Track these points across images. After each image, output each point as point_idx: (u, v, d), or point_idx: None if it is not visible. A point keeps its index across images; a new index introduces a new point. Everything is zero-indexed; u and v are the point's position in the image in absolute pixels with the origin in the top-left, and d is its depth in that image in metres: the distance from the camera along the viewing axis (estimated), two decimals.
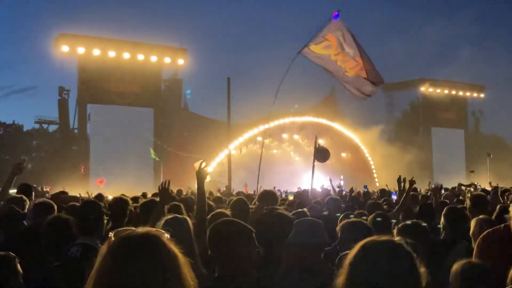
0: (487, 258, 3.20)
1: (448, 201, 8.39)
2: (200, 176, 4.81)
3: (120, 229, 1.80)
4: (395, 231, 4.18)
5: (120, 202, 5.82)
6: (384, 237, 1.99)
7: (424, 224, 4.33)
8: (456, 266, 3.14)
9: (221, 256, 3.14)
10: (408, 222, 4.27)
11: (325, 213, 7.14)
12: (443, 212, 4.75)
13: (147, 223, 4.18)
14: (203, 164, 4.82)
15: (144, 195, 12.02)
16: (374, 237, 2.00)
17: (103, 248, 1.73)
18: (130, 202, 6.16)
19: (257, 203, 6.27)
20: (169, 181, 5.07)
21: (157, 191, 6.12)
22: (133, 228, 1.79)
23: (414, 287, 1.91)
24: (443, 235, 4.67)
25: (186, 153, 32.79)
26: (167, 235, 1.78)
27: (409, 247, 1.97)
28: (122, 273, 1.65)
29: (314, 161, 7.42)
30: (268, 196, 6.22)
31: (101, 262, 1.69)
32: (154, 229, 1.81)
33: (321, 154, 7.53)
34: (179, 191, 14.15)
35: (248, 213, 5.86)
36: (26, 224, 5.59)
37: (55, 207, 5.66)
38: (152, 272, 1.66)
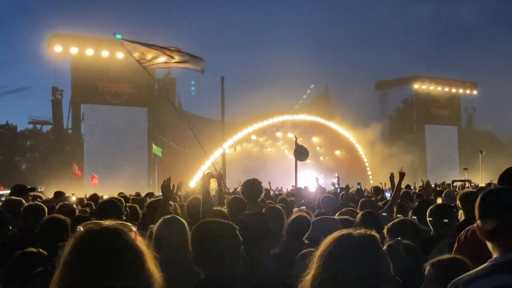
0: (466, 252, 3.25)
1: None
2: (204, 183, 4.90)
3: (89, 222, 1.82)
4: (385, 230, 4.23)
5: (114, 202, 5.84)
6: (350, 231, 2.02)
7: (412, 220, 4.39)
8: (431, 261, 3.19)
9: (207, 257, 3.09)
10: (396, 220, 4.31)
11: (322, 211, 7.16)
12: (428, 210, 4.79)
13: (153, 222, 4.24)
14: (207, 172, 4.93)
15: (137, 194, 12.03)
16: (342, 231, 2.02)
17: (70, 241, 1.75)
18: (123, 201, 6.18)
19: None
20: (170, 178, 5.11)
21: (151, 190, 6.17)
22: (100, 222, 1.81)
23: (382, 280, 1.94)
24: (432, 232, 4.72)
25: (180, 151, 32.83)
26: (133, 229, 1.80)
27: (376, 240, 2.00)
28: (84, 266, 1.67)
29: (296, 161, 7.50)
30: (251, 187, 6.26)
31: (66, 255, 1.71)
32: (119, 222, 1.82)
33: (299, 153, 7.61)
34: (179, 186, 14.11)
35: (245, 210, 5.86)
36: (12, 228, 5.21)
37: (46, 209, 5.49)
38: (113, 265, 1.67)
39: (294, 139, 11.22)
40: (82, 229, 1.76)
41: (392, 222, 4.33)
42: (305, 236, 4.28)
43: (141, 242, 1.79)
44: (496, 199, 2.57)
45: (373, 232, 2.04)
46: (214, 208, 5.37)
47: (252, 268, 3.83)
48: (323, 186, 15.55)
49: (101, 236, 1.73)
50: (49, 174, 30.62)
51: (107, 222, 1.79)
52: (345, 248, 1.94)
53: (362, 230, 2.03)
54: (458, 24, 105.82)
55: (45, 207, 5.57)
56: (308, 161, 8.18)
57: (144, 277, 1.73)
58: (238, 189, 16.81)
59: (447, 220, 4.50)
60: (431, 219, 4.60)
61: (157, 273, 1.79)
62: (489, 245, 2.53)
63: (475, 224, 2.58)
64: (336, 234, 2.00)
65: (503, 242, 2.45)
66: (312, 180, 16.37)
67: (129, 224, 1.83)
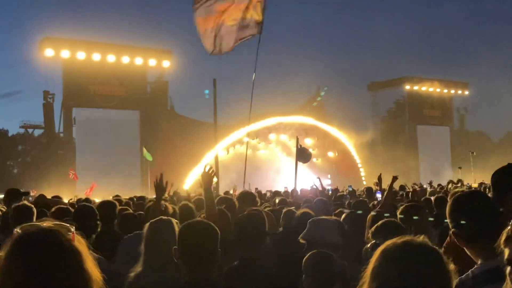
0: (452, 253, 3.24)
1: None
2: (206, 179, 4.64)
3: (25, 224, 1.78)
4: (369, 233, 4.23)
5: (108, 205, 5.81)
6: (402, 239, 1.88)
7: (395, 221, 4.39)
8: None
9: (189, 261, 3.06)
10: (379, 223, 4.31)
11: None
12: (400, 210, 4.80)
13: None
14: (207, 168, 4.73)
15: (131, 199, 11.97)
16: (392, 240, 1.89)
17: (6, 244, 1.72)
18: (117, 204, 6.15)
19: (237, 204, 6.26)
20: (162, 174, 5.03)
21: (143, 194, 6.10)
22: (38, 223, 1.78)
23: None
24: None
25: (172, 155, 32.75)
26: (72, 229, 1.77)
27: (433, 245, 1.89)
28: (18, 269, 1.64)
29: (296, 162, 7.46)
30: (247, 197, 6.23)
31: (3, 256, 1.69)
32: (57, 223, 1.79)
33: (302, 155, 7.55)
34: (175, 193, 14.11)
35: (234, 209, 5.84)
36: None
37: (34, 210, 5.36)
38: (49, 266, 1.65)
39: (292, 140, 11.21)
40: (18, 231, 1.73)
41: (376, 224, 4.33)
42: (301, 235, 4.27)
43: (80, 242, 1.77)
44: (469, 205, 2.54)
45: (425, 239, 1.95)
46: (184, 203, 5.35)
47: (249, 269, 3.80)
48: (318, 187, 15.53)
49: (36, 238, 1.70)
50: (41, 178, 30.45)
51: (44, 224, 1.77)
52: (399, 260, 1.82)
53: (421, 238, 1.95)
54: (449, 25, 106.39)
55: (33, 207, 5.43)
56: (300, 162, 8.12)
57: (82, 277, 1.71)
58: (232, 192, 16.79)
59: (416, 217, 4.51)
60: (401, 216, 4.61)
61: (97, 274, 1.76)
62: (468, 251, 2.49)
63: (450, 232, 2.54)
64: (385, 245, 1.88)
65: (481, 248, 2.42)
66: (307, 181, 16.36)
67: (67, 224, 1.79)
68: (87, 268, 1.73)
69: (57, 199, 10.37)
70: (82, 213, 5.03)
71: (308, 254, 3.74)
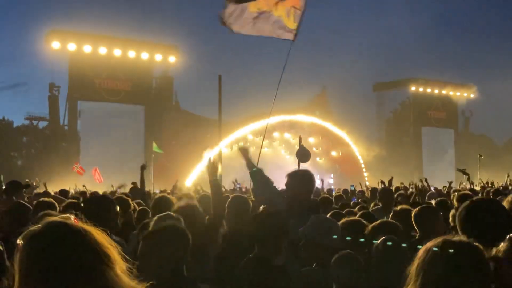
0: None
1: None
2: (212, 170, 4.51)
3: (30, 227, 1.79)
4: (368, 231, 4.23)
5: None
6: (442, 238, 1.95)
7: (394, 222, 4.38)
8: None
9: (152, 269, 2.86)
10: (376, 222, 4.31)
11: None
12: (413, 212, 4.78)
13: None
14: (209, 152, 4.61)
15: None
16: (439, 239, 1.95)
17: (19, 246, 1.73)
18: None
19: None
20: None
21: (146, 188, 6.05)
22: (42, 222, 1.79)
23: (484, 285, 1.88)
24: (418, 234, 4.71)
25: (176, 150, 32.78)
26: (71, 216, 1.81)
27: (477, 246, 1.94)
28: (38, 268, 1.66)
29: (299, 161, 7.47)
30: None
31: (18, 262, 1.70)
32: (60, 216, 1.83)
33: (302, 155, 7.54)
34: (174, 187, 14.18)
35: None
36: None
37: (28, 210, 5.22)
38: (63, 256, 1.67)
39: (295, 139, 11.19)
40: (24, 235, 1.75)
41: (372, 224, 4.33)
42: (300, 230, 4.21)
43: (83, 224, 1.78)
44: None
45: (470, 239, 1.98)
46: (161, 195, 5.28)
47: (266, 271, 3.75)
48: (319, 187, 15.57)
49: (45, 234, 1.72)
50: (45, 170, 30.50)
51: (49, 219, 1.79)
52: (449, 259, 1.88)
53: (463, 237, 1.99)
54: (455, 27, 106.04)
55: (29, 206, 5.31)
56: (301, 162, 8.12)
57: (99, 258, 1.72)
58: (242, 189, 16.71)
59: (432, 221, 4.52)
60: (414, 221, 4.60)
61: (115, 254, 1.78)
62: None
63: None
64: (432, 244, 1.94)
65: None
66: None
67: (67, 214, 1.86)
68: (99, 242, 1.75)
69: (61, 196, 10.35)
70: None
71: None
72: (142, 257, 2.93)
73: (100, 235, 1.77)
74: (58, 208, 5.47)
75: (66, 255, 1.67)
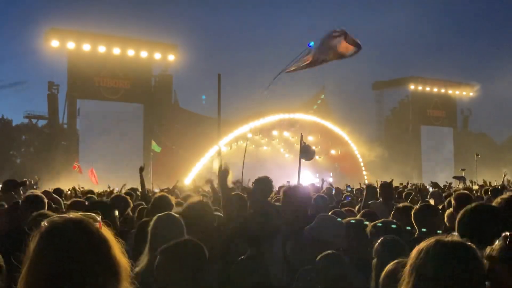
0: None
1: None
2: (223, 175, 4.76)
3: (54, 216, 1.82)
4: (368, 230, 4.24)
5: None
6: (445, 239, 1.98)
7: (394, 221, 4.40)
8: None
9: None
10: (377, 222, 4.32)
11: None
12: (412, 211, 4.80)
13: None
14: (222, 162, 4.77)
15: (134, 190, 11.99)
16: (432, 239, 1.99)
17: (34, 236, 1.74)
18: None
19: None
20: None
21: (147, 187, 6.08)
22: (64, 215, 1.81)
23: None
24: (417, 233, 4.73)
25: (175, 149, 32.79)
26: (98, 219, 1.81)
27: (472, 246, 1.97)
28: (50, 261, 1.68)
29: (300, 159, 7.47)
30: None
31: (31, 251, 1.71)
32: (83, 214, 1.83)
33: (306, 153, 7.54)
34: (174, 188, 14.12)
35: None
36: None
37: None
38: (80, 255, 1.69)
39: (294, 138, 11.21)
40: (46, 224, 1.76)
41: (373, 223, 4.34)
42: (306, 228, 4.21)
43: (106, 232, 1.80)
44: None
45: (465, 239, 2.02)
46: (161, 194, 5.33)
47: (253, 269, 3.78)
48: (318, 186, 15.55)
49: (66, 229, 1.73)
50: (44, 168, 30.51)
51: (71, 215, 1.80)
52: (440, 258, 1.91)
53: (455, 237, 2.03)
54: (454, 26, 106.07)
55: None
56: (303, 160, 8.11)
57: (111, 264, 1.75)
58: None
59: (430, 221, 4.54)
60: (414, 220, 4.62)
61: (124, 261, 1.80)
62: None
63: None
64: (426, 243, 1.97)
65: None
66: (308, 179, 16.42)
67: (93, 214, 1.83)
68: (116, 255, 1.77)
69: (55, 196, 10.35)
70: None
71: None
72: (160, 271, 2.96)
73: (117, 248, 1.79)
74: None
75: (76, 255, 1.69)
